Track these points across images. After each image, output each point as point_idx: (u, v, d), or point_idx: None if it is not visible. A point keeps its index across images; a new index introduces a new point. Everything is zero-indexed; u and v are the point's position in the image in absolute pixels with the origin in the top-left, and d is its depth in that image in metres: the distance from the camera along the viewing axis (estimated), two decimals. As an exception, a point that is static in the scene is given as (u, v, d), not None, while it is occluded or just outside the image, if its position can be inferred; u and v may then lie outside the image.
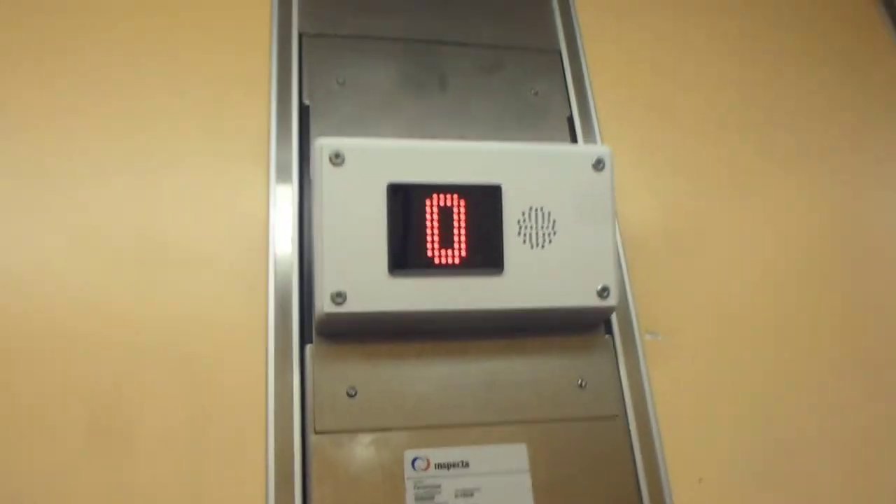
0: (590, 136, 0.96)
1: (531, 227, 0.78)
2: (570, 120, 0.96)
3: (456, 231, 0.77)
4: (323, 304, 0.73)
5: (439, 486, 0.74)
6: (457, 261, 0.76)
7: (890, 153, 1.09)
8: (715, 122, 1.02)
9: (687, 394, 0.86)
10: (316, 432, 0.74)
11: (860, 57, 1.16)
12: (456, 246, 0.76)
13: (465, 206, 0.77)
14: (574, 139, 0.95)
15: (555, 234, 0.79)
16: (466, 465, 0.75)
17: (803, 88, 1.09)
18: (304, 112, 0.89)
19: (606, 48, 1.02)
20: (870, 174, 1.07)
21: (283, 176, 0.85)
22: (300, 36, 0.92)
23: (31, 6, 0.87)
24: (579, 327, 0.84)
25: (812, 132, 1.07)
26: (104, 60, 0.87)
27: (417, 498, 0.73)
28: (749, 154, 1.02)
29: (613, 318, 0.86)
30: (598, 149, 0.83)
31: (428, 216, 0.76)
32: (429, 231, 0.76)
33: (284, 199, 0.84)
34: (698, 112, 1.02)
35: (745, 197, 0.99)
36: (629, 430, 0.82)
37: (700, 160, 0.99)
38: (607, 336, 0.85)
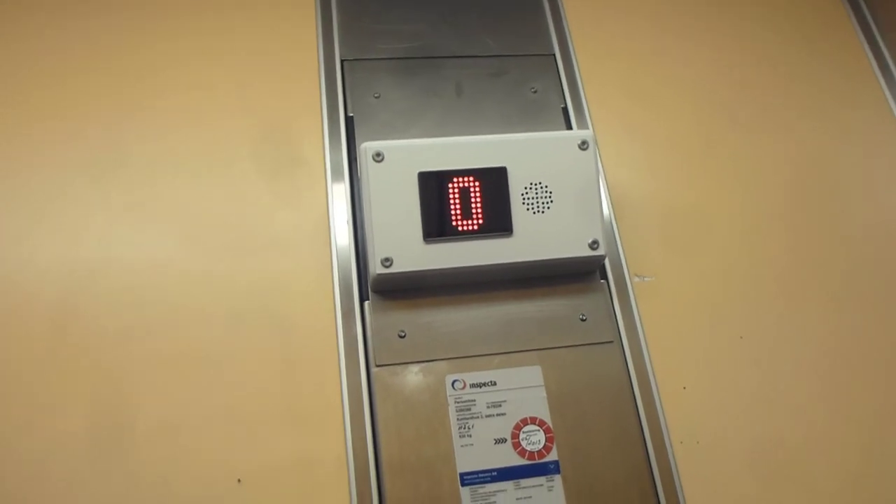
0: (582, 122, 1.16)
1: (532, 198, 1.00)
2: (565, 110, 1.17)
3: (473, 205, 0.98)
4: (375, 268, 0.96)
5: (474, 401, 0.96)
6: (476, 227, 0.98)
7: (843, 115, 1.26)
8: (687, 101, 1.21)
9: (670, 322, 1.05)
10: (377, 366, 0.97)
11: (816, 31, 1.33)
12: (474, 216, 0.98)
13: (480, 185, 0.99)
14: (569, 126, 1.16)
15: (552, 201, 1.00)
16: (494, 383, 0.97)
17: (765, 65, 1.27)
18: (349, 122, 1.11)
19: (593, 49, 1.23)
20: (826, 134, 1.24)
21: (336, 173, 1.08)
22: (342, 62, 1.15)
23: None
24: (578, 274, 1.05)
25: (775, 103, 1.24)
26: (187, 95, 1.11)
27: (458, 409, 0.95)
28: (718, 126, 1.20)
29: (607, 265, 1.07)
30: (582, 133, 1.03)
31: (451, 195, 0.98)
32: (452, 206, 0.98)
33: (339, 191, 1.07)
34: (672, 95, 1.21)
35: (716, 159, 1.18)
36: (624, 352, 1.02)
37: (676, 133, 1.18)
38: (602, 280, 1.06)
